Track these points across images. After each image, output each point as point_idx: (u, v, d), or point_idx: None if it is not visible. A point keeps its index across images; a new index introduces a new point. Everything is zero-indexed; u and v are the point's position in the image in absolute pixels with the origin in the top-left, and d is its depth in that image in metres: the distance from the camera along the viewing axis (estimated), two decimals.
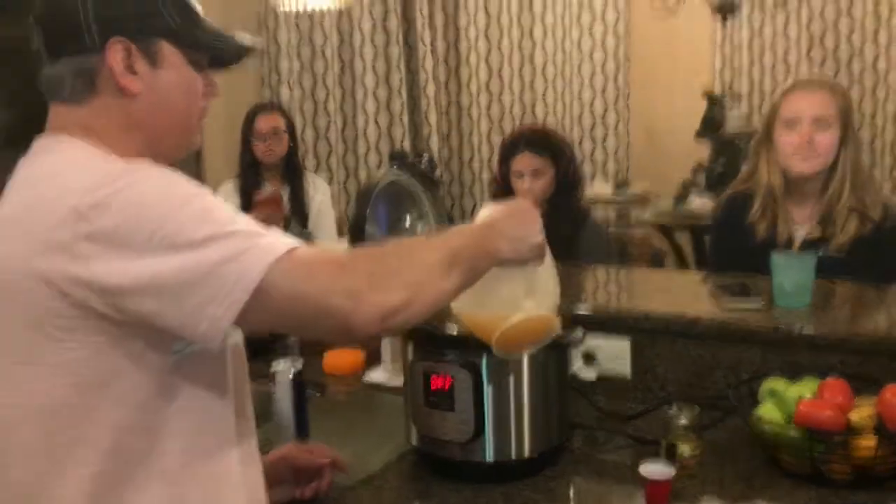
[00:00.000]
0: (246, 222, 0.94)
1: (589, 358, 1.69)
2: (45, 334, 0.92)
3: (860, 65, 3.95)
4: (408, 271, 0.97)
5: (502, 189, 2.49)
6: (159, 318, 0.91)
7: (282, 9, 2.74)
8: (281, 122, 3.10)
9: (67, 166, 0.97)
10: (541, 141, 2.45)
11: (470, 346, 1.36)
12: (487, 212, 1.16)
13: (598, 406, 1.64)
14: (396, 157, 1.54)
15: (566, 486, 1.38)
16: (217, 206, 0.94)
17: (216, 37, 1.06)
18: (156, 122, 1.03)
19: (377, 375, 1.88)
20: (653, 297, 1.89)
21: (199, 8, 1.08)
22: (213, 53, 1.06)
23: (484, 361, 1.35)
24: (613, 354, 1.70)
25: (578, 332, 1.42)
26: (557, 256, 1.31)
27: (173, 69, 1.02)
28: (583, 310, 1.72)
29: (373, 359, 1.93)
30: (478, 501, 1.32)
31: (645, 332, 1.68)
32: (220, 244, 0.89)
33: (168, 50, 1.02)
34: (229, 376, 1.04)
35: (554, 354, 1.40)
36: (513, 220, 1.14)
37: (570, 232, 2.40)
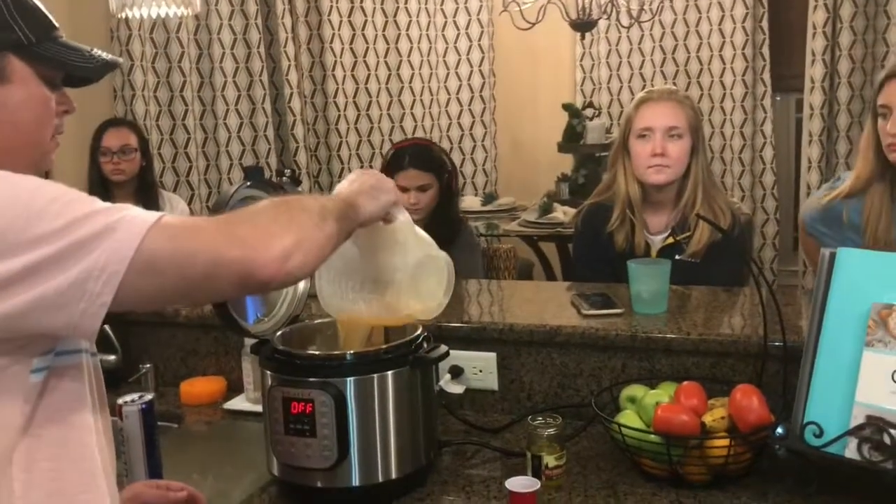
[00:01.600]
0: (104, 202, 0.89)
1: (456, 372, 1.68)
2: None
3: (709, 78, 4.16)
4: (286, 218, 0.95)
5: None
6: (31, 313, 0.84)
7: (128, 14, 2.60)
8: (132, 139, 2.96)
9: None
10: (425, 156, 2.49)
11: (331, 368, 1.32)
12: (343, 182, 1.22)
13: (466, 420, 1.63)
14: (251, 173, 1.48)
15: None
16: (63, 192, 0.88)
17: (71, 52, 1.01)
18: (3, 141, 0.97)
19: (238, 403, 1.81)
20: (517, 309, 1.90)
21: (53, 21, 1.01)
22: (69, 70, 1.01)
23: (348, 383, 1.30)
24: (480, 367, 1.69)
25: (442, 348, 1.40)
26: None
27: (22, 85, 0.97)
28: (448, 324, 1.71)
29: (234, 386, 1.86)
30: None
31: (510, 343, 1.68)
32: (85, 223, 0.85)
33: (17, 65, 0.96)
34: (90, 401, 0.97)
35: (419, 372, 1.37)
36: (366, 177, 1.21)
37: (448, 241, 2.43)
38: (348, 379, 1.30)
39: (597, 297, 1.80)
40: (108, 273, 0.84)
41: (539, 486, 1.28)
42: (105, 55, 1.05)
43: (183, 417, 1.79)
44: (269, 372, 1.36)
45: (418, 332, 1.40)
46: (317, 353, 1.35)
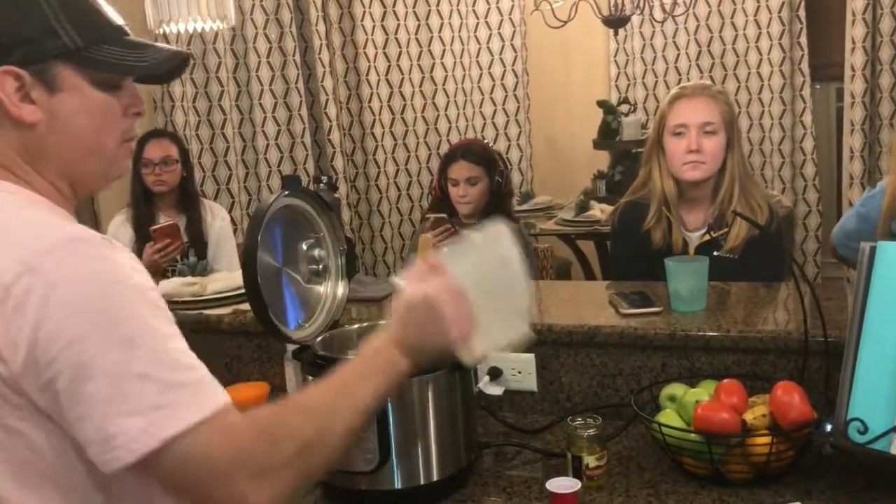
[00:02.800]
0: (182, 351, 0.88)
1: (495, 374, 1.69)
2: None
3: (745, 70, 4.11)
4: (315, 451, 0.95)
5: (440, 198, 2.74)
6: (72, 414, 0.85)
7: (166, 30, 2.66)
8: (172, 150, 3.01)
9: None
10: (475, 152, 2.72)
11: None
12: (394, 318, 1.09)
13: (506, 421, 1.64)
14: (288, 182, 1.51)
15: None
16: (151, 332, 0.87)
17: (127, 53, 0.96)
18: (56, 152, 0.95)
19: None
20: (555, 309, 1.90)
21: (113, 20, 0.98)
22: (123, 72, 0.97)
23: None
24: (519, 368, 1.70)
25: None
26: None
27: (75, 93, 0.94)
28: None
29: (278, 391, 1.89)
30: None
31: (548, 344, 1.69)
32: (143, 387, 0.84)
33: (66, 73, 0.93)
34: None
35: (457, 374, 1.39)
36: (415, 331, 1.07)
37: None
38: None
39: (635, 295, 1.80)
40: (138, 444, 0.83)
41: (580, 486, 1.28)
42: (167, 47, 1.02)
43: None
44: (310, 377, 1.39)
45: None
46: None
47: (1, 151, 0.93)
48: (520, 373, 1.71)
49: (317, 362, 1.38)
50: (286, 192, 1.47)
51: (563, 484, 1.29)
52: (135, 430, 0.83)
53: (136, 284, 0.88)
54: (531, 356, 1.70)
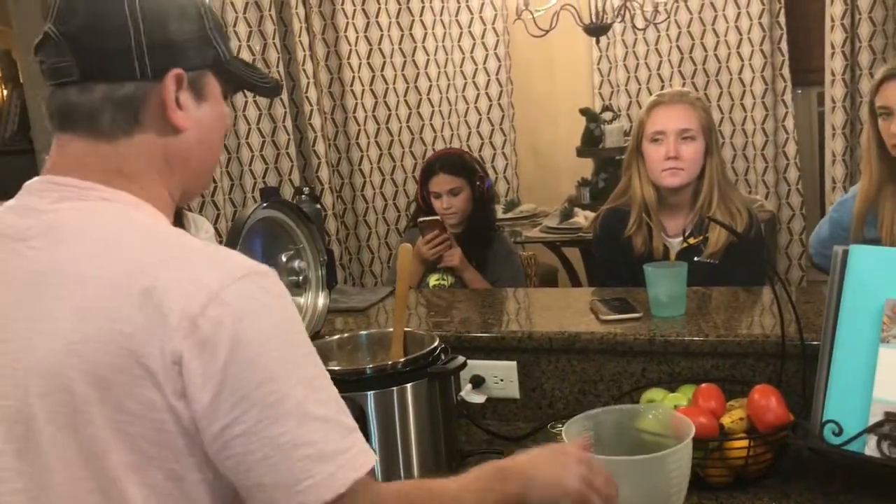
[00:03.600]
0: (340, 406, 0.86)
1: (477, 382, 1.70)
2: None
3: (727, 76, 4.13)
4: None
5: (424, 211, 2.69)
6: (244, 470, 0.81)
7: None
8: None
9: (149, 245, 0.84)
10: (454, 162, 2.69)
11: (351, 382, 1.34)
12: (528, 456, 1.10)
13: (489, 430, 1.65)
14: (267, 194, 1.52)
15: None
16: (323, 374, 0.86)
17: (252, 72, 0.98)
18: (195, 161, 0.93)
19: None
20: (537, 316, 1.91)
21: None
22: (254, 89, 0.98)
23: (368, 397, 1.33)
24: (501, 376, 1.71)
25: (459, 359, 1.42)
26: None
27: (215, 103, 0.93)
28: (468, 333, 1.73)
29: None
30: None
31: (529, 351, 1.70)
32: (327, 430, 0.82)
33: (213, 83, 0.92)
34: None
35: (437, 383, 1.39)
36: (547, 467, 1.05)
37: (484, 246, 2.56)
38: (368, 393, 1.33)
39: (615, 301, 1.81)
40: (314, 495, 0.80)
41: None
42: (274, 78, 1.04)
43: None
44: None
45: (435, 343, 1.42)
46: (336, 367, 1.38)
47: (132, 157, 0.88)
48: (502, 380, 1.71)
49: None
50: (264, 204, 1.48)
51: None
52: (322, 475, 0.80)
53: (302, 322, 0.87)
54: (513, 364, 1.71)
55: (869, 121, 1.92)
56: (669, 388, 1.51)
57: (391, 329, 1.49)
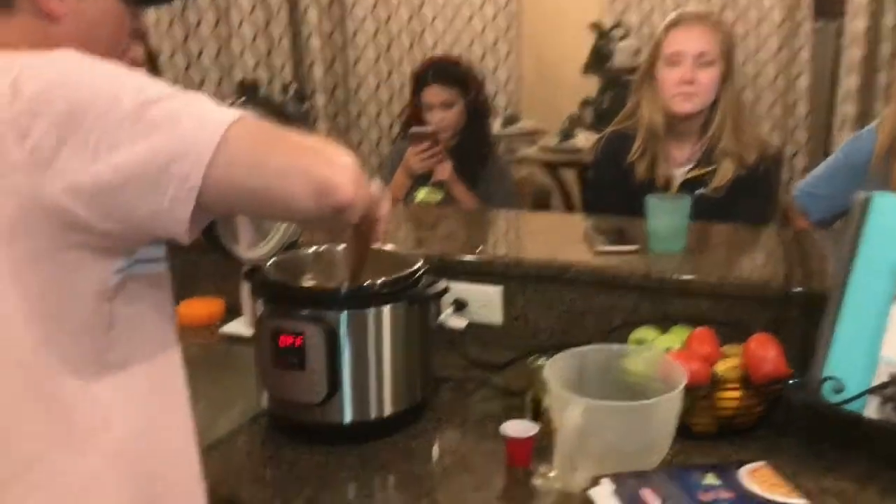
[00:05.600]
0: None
1: (459, 306, 1.61)
2: None
3: (746, 0, 3.94)
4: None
5: (415, 121, 2.50)
6: (122, 193, 0.79)
7: None
8: (137, 52, 2.83)
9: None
10: (448, 72, 2.48)
11: (324, 301, 1.25)
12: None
13: (467, 356, 1.57)
14: (245, 89, 1.39)
15: (427, 445, 1.30)
16: (145, 80, 0.83)
17: None
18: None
19: (236, 326, 1.75)
20: (527, 242, 1.81)
21: None
22: None
23: (341, 317, 1.24)
24: (484, 301, 1.62)
25: (441, 285, 1.32)
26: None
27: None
28: (453, 256, 1.64)
29: (233, 309, 1.80)
30: (330, 466, 1.23)
31: (516, 278, 1.61)
32: (168, 101, 0.80)
33: None
34: (170, 305, 0.96)
35: (416, 307, 1.30)
36: None
37: (477, 163, 2.42)
38: (342, 313, 1.24)
39: (612, 231, 1.71)
40: (196, 153, 0.78)
41: (537, 430, 1.22)
42: None
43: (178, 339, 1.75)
44: (259, 301, 1.30)
45: (417, 265, 1.33)
46: (310, 285, 1.28)
47: (18, 37, 0.88)
48: (485, 306, 1.63)
49: (267, 287, 1.29)
50: (242, 100, 1.36)
51: (518, 427, 1.22)
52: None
53: None
54: (498, 289, 1.62)
55: None
56: (662, 328, 1.42)
57: None
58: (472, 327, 1.63)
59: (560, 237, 1.80)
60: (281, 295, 1.27)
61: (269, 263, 1.35)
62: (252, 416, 1.37)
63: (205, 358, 1.69)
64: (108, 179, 0.78)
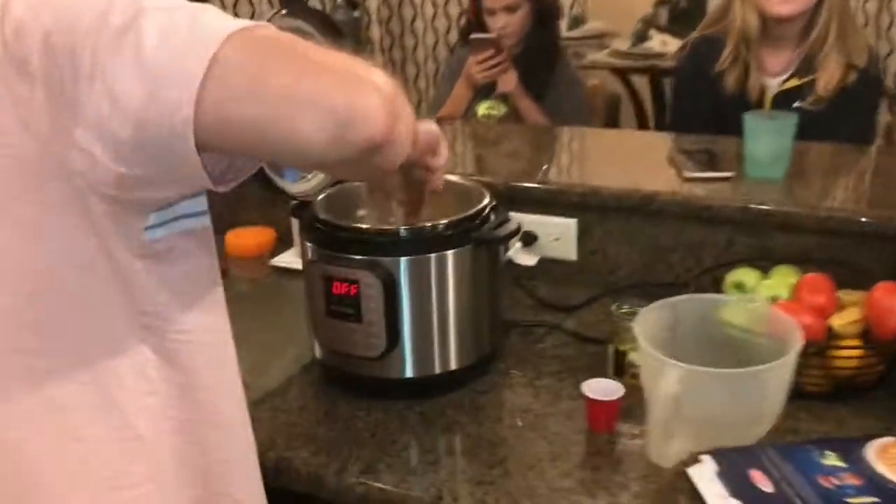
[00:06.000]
0: None
1: (528, 240, 1.46)
2: None
3: None
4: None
5: (476, 26, 2.30)
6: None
7: None
8: None
9: None
10: None
11: (381, 245, 1.11)
12: None
13: (537, 296, 1.42)
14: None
15: (497, 402, 1.17)
16: None
17: None
18: None
19: (287, 258, 1.63)
20: (604, 166, 1.62)
21: None
22: None
23: (400, 263, 1.10)
24: (557, 235, 1.46)
25: (513, 224, 1.16)
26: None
27: None
28: (521, 184, 1.47)
29: (285, 239, 1.68)
30: (389, 425, 1.11)
31: (593, 209, 1.44)
32: (160, 14, 0.63)
33: None
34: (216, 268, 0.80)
35: (484, 250, 1.15)
36: None
37: (544, 72, 2.21)
38: (401, 259, 1.09)
39: (701, 154, 1.52)
40: (182, 80, 0.61)
41: (623, 392, 1.08)
42: None
43: (227, 271, 1.64)
44: (308, 244, 1.16)
45: (485, 201, 1.17)
46: (364, 226, 1.14)
47: None
48: (557, 239, 1.47)
49: (316, 227, 1.15)
50: (283, 11, 1.18)
51: (601, 387, 1.08)
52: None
53: None
54: (572, 221, 1.46)
55: None
56: (761, 270, 1.25)
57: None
58: (543, 263, 1.48)
59: (641, 160, 1.61)
60: (332, 237, 1.13)
61: (318, 198, 1.21)
62: (305, 364, 1.26)
63: (254, 294, 1.58)
64: (107, 114, 0.63)
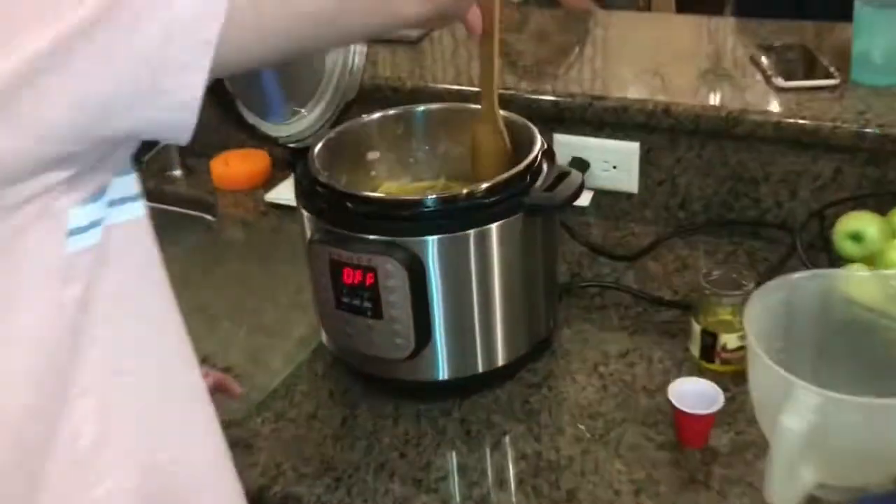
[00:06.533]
0: None
1: (580, 167, 1.18)
2: None
3: None
4: None
5: None
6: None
7: None
8: None
9: None
10: None
11: (404, 219, 0.84)
12: None
13: (589, 241, 1.16)
14: None
15: (553, 400, 0.93)
16: None
17: None
18: None
19: (286, 191, 1.36)
20: (674, 75, 1.28)
21: None
22: None
23: (429, 244, 0.83)
24: (614, 162, 1.19)
25: (574, 180, 0.88)
26: None
27: None
28: (570, 100, 1.18)
29: (281, 165, 1.40)
30: (423, 440, 0.89)
31: (661, 130, 1.15)
32: None
33: None
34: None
35: (540, 222, 0.89)
36: None
37: None
38: (429, 239, 0.83)
39: (792, 52, 1.22)
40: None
41: (723, 401, 0.84)
42: None
43: (216, 207, 1.39)
44: (307, 215, 0.90)
45: (535, 152, 0.89)
46: (383, 196, 0.87)
47: None
48: (615, 167, 1.20)
49: (316, 191, 0.88)
50: None
51: (692, 391, 0.85)
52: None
53: None
54: (635, 145, 1.18)
55: None
56: (882, 215, 0.98)
57: (474, 89, 0.94)
58: (597, 197, 1.21)
59: (717, 60, 1.29)
60: (338, 209, 0.86)
61: (316, 149, 0.93)
62: (315, 348, 1.02)
63: (248, 243, 1.32)
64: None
